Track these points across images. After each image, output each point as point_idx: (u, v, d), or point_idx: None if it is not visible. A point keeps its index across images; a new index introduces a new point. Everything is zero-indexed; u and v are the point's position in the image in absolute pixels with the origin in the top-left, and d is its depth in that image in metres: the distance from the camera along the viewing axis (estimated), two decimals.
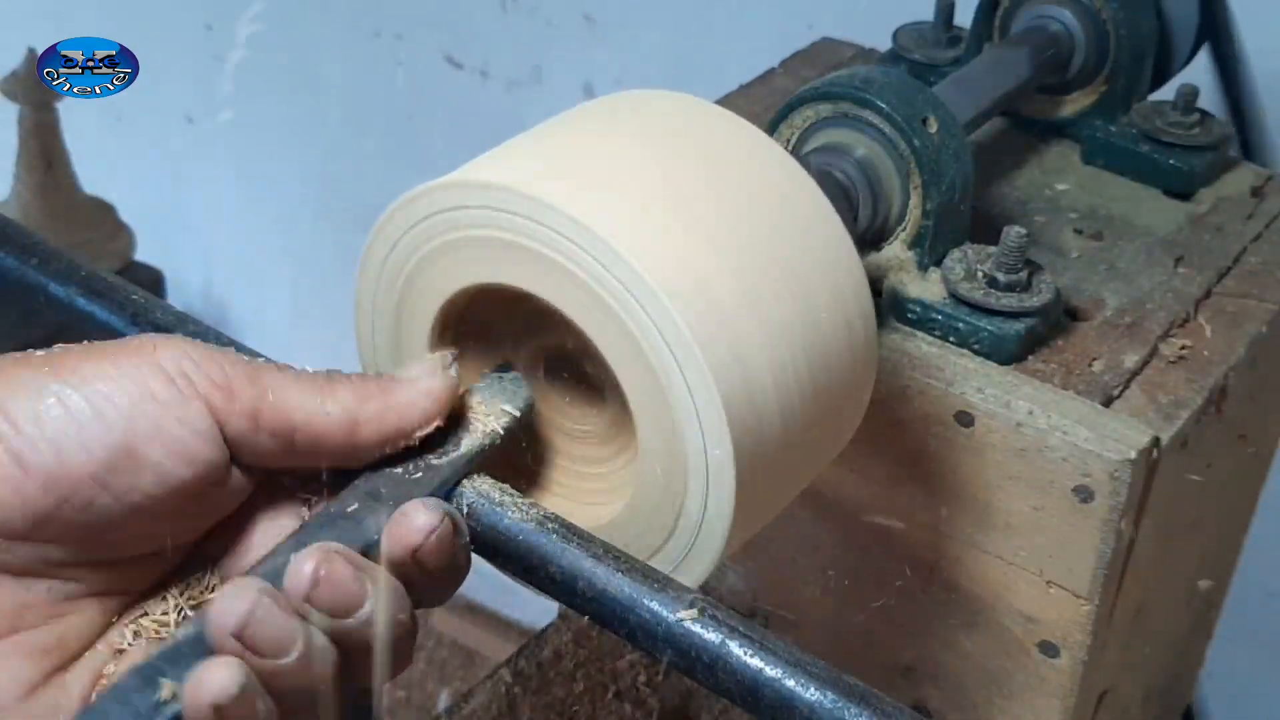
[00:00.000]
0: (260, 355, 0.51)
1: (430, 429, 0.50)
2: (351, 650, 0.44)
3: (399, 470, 0.49)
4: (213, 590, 0.49)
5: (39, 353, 0.46)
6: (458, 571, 0.47)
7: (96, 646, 0.47)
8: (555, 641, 0.92)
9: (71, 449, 0.44)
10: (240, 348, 0.51)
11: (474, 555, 0.50)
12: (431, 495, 0.48)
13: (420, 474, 0.49)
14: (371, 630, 0.44)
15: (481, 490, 0.50)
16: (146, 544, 0.47)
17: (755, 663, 0.44)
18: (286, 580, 0.43)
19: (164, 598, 0.48)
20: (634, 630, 0.46)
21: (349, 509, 0.47)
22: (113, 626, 0.47)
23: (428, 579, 0.46)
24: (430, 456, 0.50)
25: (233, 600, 0.42)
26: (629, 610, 0.46)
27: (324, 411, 0.47)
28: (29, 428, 0.44)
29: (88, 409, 0.44)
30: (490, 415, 0.52)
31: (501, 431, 0.52)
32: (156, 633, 0.47)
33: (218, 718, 0.40)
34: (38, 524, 0.44)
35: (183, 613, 0.48)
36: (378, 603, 0.44)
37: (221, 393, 0.46)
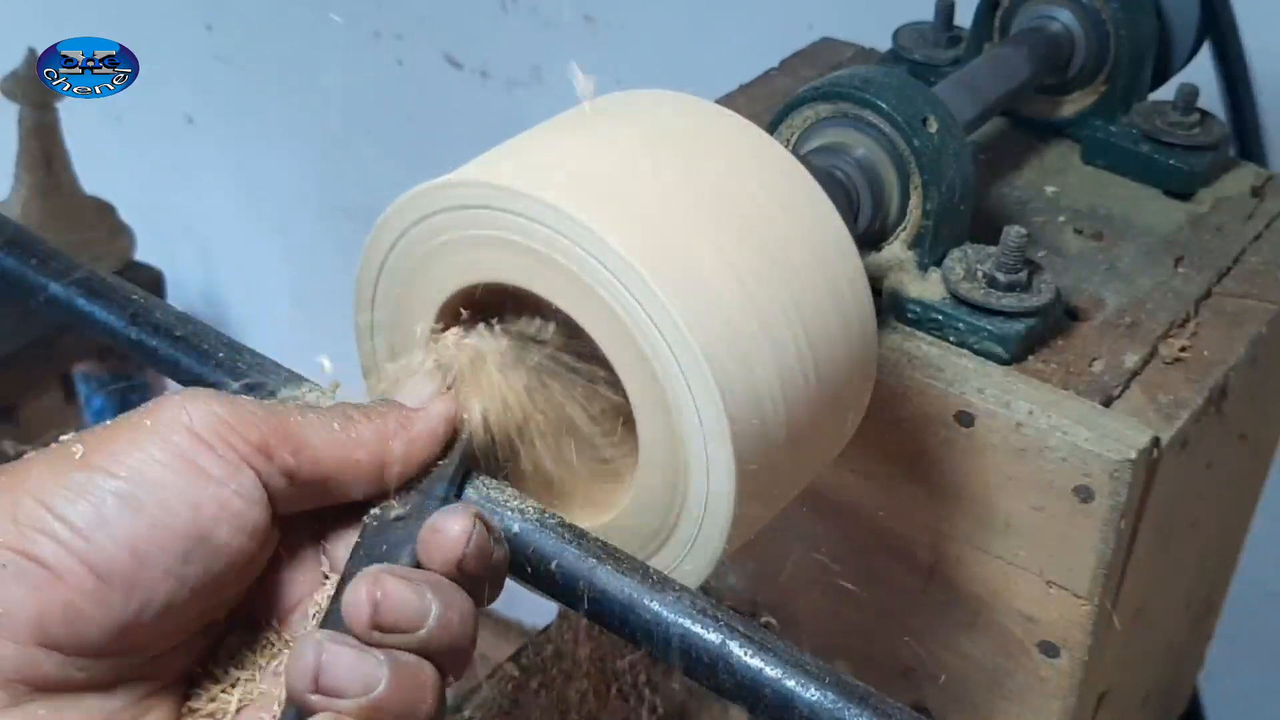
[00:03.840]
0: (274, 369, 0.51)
1: None
2: (439, 658, 0.44)
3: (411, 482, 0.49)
4: (257, 649, 0.48)
5: (71, 446, 0.44)
6: (500, 568, 0.47)
7: None
8: (557, 640, 0.92)
9: (148, 549, 0.42)
10: (201, 329, 0.51)
11: None
12: (446, 491, 0.49)
13: (429, 476, 0.49)
14: (445, 633, 0.44)
15: (482, 491, 0.50)
16: (203, 621, 0.46)
17: (755, 663, 0.44)
18: (346, 616, 0.43)
19: (215, 670, 0.47)
20: (634, 630, 0.46)
21: (380, 535, 0.47)
22: (187, 707, 0.47)
23: (474, 583, 0.46)
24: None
25: (297, 659, 0.41)
26: (629, 610, 0.46)
27: (353, 458, 0.47)
28: (99, 535, 0.42)
29: (152, 503, 0.42)
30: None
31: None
32: (223, 709, 0.47)
33: None
34: (121, 634, 0.43)
35: (239, 678, 0.47)
36: (442, 605, 0.44)
37: (261, 455, 0.45)
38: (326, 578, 0.49)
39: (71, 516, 0.42)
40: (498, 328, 0.53)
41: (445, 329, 0.54)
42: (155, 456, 0.43)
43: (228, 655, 0.48)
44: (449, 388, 0.51)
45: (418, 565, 0.46)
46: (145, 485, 0.43)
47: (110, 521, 0.42)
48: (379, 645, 0.42)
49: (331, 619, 0.44)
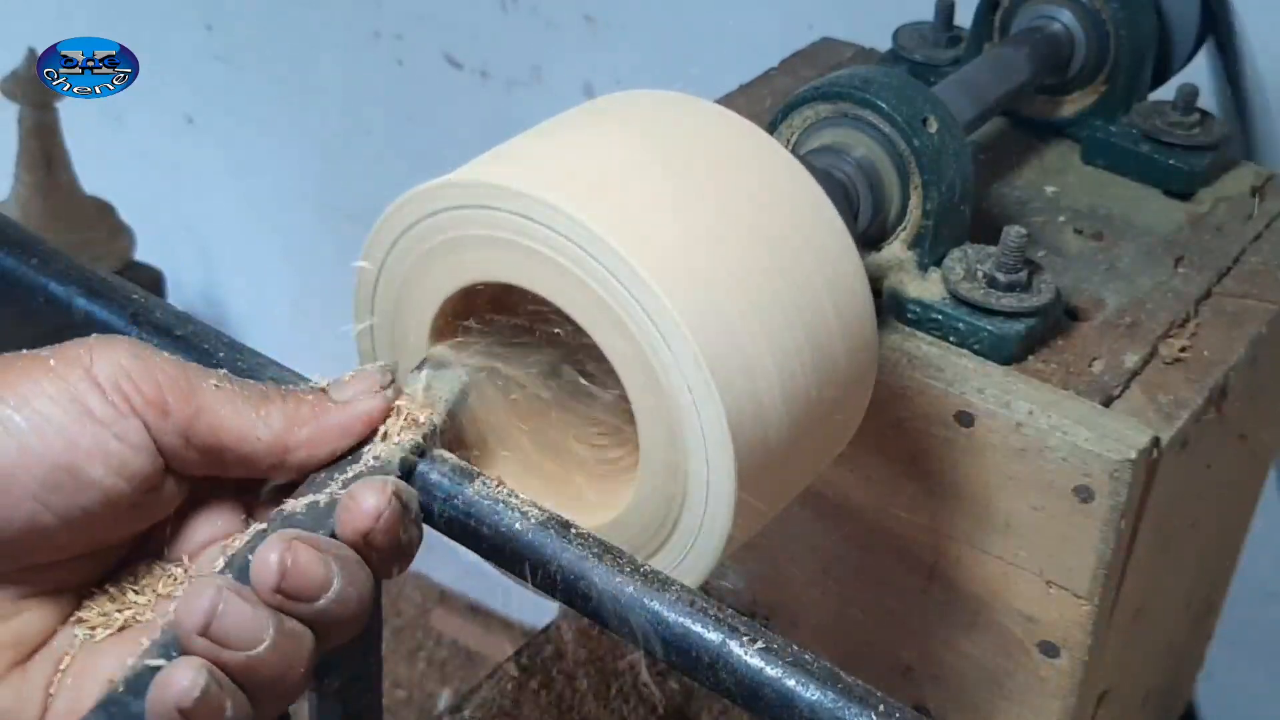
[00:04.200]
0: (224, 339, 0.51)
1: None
2: (321, 628, 0.44)
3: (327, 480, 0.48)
4: (159, 578, 0.49)
5: None
6: (410, 549, 0.47)
7: (54, 640, 0.47)
8: (557, 640, 0.92)
9: (13, 471, 0.44)
10: (201, 329, 0.52)
11: (474, 555, 0.50)
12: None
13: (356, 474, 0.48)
14: (341, 607, 0.44)
15: (482, 490, 0.50)
16: (86, 547, 0.47)
17: (755, 663, 0.44)
18: (254, 573, 0.43)
19: (111, 589, 0.49)
20: (634, 630, 0.46)
21: (298, 509, 0.47)
22: (69, 618, 0.48)
23: (380, 556, 0.46)
24: (367, 453, 0.49)
25: (195, 599, 0.42)
26: (629, 610, 0.46)
27: (255, 435, 0.47)
28: None
29: (28, 429, 0.44)
30: (425, 410, 0.51)
31: (434, 426, 0.51)
32: (108, 624, 0.48)
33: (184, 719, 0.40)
34: None
35: (132, 602, 0.48)
36: (344, 580, 0.44)
37: (155, 409, 0.46)
38: (247, 524, 0.49)
39: None
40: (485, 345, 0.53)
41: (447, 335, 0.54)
42: (44, 389, 0.45)
43: (131, 578, 0.49)
44: (384, 388, 0.50)
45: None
46: (25, 411, 0.44)
47: None
48: (275, 608, 0.43)
49: (236, 567, 0.45)
